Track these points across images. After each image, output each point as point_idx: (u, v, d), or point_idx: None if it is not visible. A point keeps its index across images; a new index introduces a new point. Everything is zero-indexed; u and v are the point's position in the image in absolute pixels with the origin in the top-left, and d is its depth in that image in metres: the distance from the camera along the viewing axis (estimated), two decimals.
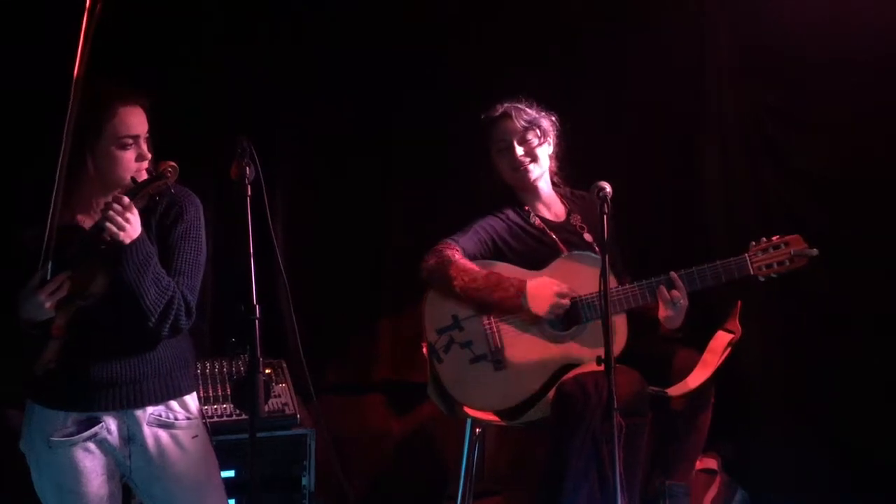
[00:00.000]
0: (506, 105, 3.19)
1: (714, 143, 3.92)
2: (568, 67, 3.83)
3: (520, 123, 3.15)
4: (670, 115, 3.93)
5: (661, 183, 3.98)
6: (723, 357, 3.01)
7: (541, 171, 3.20)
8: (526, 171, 3.16)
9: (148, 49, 3.45)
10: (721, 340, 3.05)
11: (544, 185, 3.24)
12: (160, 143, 2.45)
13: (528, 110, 3.18)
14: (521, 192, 3.23)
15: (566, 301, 3.00)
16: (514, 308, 3.00)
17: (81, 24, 2.24)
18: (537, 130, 3.17)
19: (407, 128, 3.89)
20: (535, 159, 3.16)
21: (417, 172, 3.90)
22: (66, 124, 2.23)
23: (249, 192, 2.30)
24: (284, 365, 3.48)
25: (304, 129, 3.80)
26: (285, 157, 3.78)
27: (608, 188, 2.74)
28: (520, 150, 3.15)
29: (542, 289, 2.99)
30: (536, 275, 3.06)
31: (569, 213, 3.27)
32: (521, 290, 2.98)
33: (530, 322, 3.03)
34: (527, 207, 3.22)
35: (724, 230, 3.90)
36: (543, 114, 3.20)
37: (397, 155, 3.92)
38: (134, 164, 2.37)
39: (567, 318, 3.05)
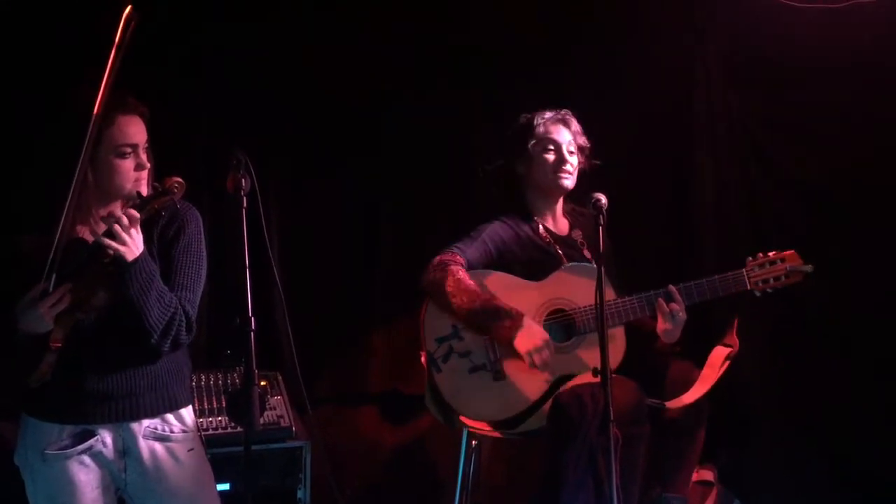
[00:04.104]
0: (564, 111, 3.21)
1: (705, 153, 3.93)
2: (558, 80, 3.83)
3: (576, 136, 3.18)
4: (661, 127, 3.95)
5: (652, 194, 3.98)
6: (721, 371, 3.00)
7: (572, 187, 3.20)
8: (566, 179, 3.16)
9: (141, 59, 3.46)
10: (719, 355, 3.04)
11: (561, 199, 3.25)
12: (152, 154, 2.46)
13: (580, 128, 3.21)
14: (540, 197, 3.21)
15: (547, 357, 2.94)
16: (504, 340, 2.97)
17: (108, 58, 2.23)
18: (584, 149, 3.20)
19: (401, 139, 3.89)
20: (574, 174, 3.18)
21: (412, 184, 3.90)
22: (86, 143, 2.23)
23: (245, 204, 2.30)
24: (280, 377, 3.47)
25: (297, 140, 3.80)
26: (278, 170, 3.78)
27: (604, 199, 2.75)
28: (573, 160, 3.16)
29: (534, 332, 2.96)
30: (536, 287, 3.06)
31: (571, 228, 3.27)
32: (516, 323, 2.95)
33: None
34: (535, 218, 3.21)
35: (716, 240, 3.92)
36: (584, 137, 3.23)
37: (391, 168, 3.92)
38: (133, 173, 2.37)
39: (566, 330, 3.04)
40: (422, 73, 3.85)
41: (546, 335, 2.98)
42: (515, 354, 3.01)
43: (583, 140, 3.21)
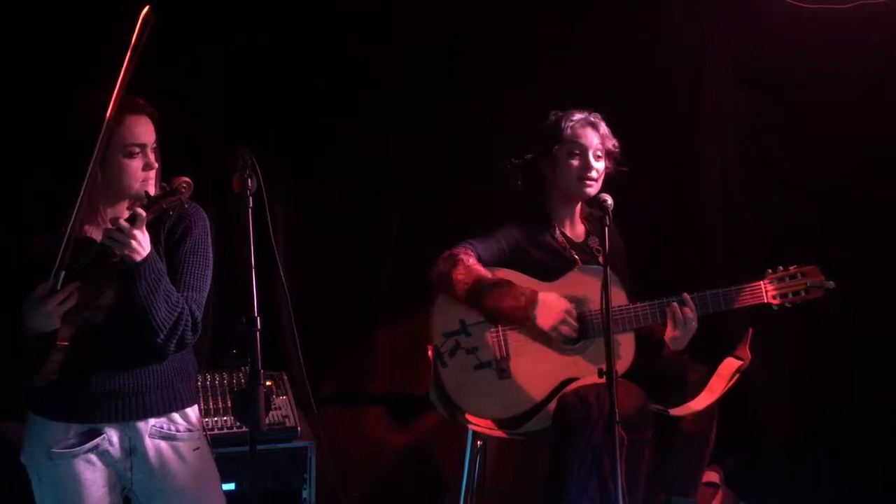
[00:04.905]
0: (593, 113, 3.13)
1: (712, 156, 3.93)
2: (563, 81, 3.82)
3: (604, 139, 3.10)
4: (668, 129, 3.94)
5: (659, 196, 3.98)
6: (730, 384, 2.96)
7: (595, 194, 3.09)
8: (590, 186, 3.09)
9: (146, 59, 3.47)
10: (729, 367, 3.00)
11: (580, 203, 3.21)
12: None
13: (609, 130, 3.13)
14: (562, 200, 3.17)
15: (573, 322, 2.94)
16: (521, 318, 2.94)
17: (123, 60, 2.23)
18: (612, 153, 3.14)
19: (406, 140, 3.90)
20: (599, 181, 3.11)
21: (416, 184, 3.90)
22: (98, 144, 2.23)
23: (251, 204, 2.31)
24: (285, 377, 3.48)
25: (301, 140, 3.80)
26: (284, 170, 3.79)
27: (609, 200, 2.74)
28: (599, 166, 3.09)
29: (553, 304, 2.95)
30: (549, 287, 3.03)
31: (588, 235, 3.22)
32: (531, 300, 2.93)
33: (537, 334, 3.00)
34: (553, 222, 3.17)
35: (723, 244, 3.90)
36: (614, 141, 3.15)
37: (396, 168, 3.92)
38: (141, 173, 2.38)
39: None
40: (424, 74, 3.85)
41: (566, 303, 2.94)
42: (522, 353, 3.00)
43: (612, 143, 3.13)
